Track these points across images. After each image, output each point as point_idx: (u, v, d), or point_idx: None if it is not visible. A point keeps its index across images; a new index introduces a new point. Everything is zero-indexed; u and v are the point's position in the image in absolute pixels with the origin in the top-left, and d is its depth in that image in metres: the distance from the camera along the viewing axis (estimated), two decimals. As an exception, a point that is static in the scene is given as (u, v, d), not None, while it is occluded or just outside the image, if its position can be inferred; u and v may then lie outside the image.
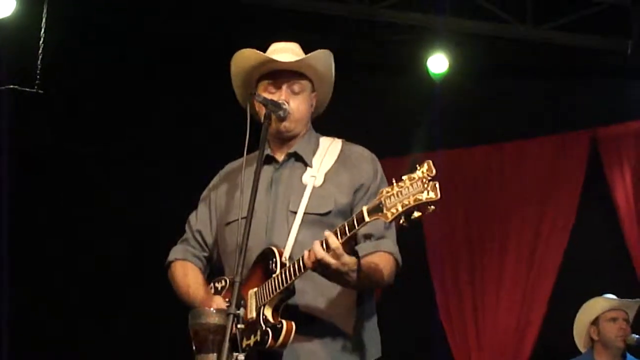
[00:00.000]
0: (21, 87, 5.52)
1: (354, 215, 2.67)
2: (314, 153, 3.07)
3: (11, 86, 5.49)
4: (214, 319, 2.63)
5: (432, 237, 6.54)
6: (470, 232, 6.51)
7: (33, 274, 6.23)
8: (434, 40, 6.26)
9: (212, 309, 2.72)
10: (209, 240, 3.16)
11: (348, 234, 2.67)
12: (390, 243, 2.97)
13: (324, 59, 3.07)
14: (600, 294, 5.27)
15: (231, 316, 2.56)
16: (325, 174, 3.00)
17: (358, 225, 2.64)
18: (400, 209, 2.52)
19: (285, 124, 3.02)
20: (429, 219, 5.41)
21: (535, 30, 6.15)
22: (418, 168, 2.52)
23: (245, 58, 3.10)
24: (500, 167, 6.54)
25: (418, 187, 2.49)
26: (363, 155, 3.09)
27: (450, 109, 6.23)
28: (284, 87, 3.04)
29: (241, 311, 2.61)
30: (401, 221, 2.54)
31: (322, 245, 2.68)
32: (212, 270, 3.19)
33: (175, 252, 3.21)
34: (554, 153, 6.42)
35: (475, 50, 6.32)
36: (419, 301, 6.35)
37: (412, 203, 2.50)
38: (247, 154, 2.89)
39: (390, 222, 2.58)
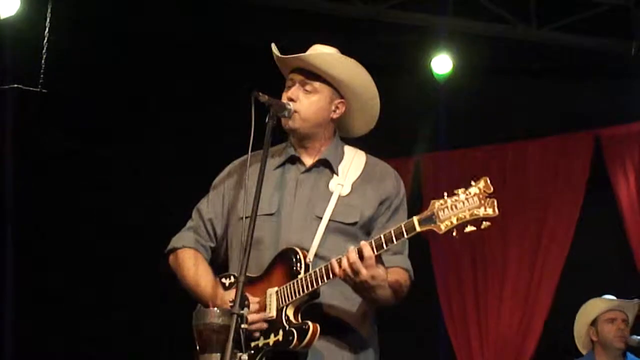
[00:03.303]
0: (25, 87, 5.53)
1: (402, 225, 2.70)
2: (339, 161, 3.08)
3: (15, 85, 5.50)
4: (219, 319, 2.63)
5: (435, 238, 6.53)
6: (473, 233, 6.49)
7: (36, 272, 6.24)
8: (438, 41, 6.25)
9: (216, 309, 2.73)
10: (220, 231, 3.13)
11: (395, 242, 2.70)
12: (406, 259, 2.99)
13: (334, 62, 3.03)
14: (604, 294, 5.29)
15: (235, 316, 2.56)
16: (352, 184, 3.01)
17: (407, 235, 2.68)
18: (455, 222, 2.61)
19: (290, 122, 3.02)
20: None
21: (539, 31, 6.15)
22: (474, 184, 2.61)
23: (274, 54, 3.14)
24: (504, 167, 6.53)
25: (475, 202, 2.59)
26: (388, 171, 3.11)
27: (454, 110, 6.23)
28: (297, 84, 3.05)
29: (245, 311, 2.62)
30: (454, 233, 2.61)
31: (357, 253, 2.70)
32: (217, 262, 3.14)
33: (183, 239, 3.14)
34: (557, 154, 6.41)
35: (479, 51, 6.32)
36: (421, 302, 6.34)
37: (468, 217, 2.60)
38: (268, 153, 2.89)
39: (444, 234, 2.63)
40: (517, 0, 6.15)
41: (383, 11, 6.16)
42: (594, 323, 5.19)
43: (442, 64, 6.28)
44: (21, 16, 5.67)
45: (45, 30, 5.60)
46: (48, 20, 5.60)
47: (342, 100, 3.09)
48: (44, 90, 5.50)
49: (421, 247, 6.33)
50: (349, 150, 3.14)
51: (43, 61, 5.56)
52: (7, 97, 5.66)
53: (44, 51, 5.59)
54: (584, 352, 5.25)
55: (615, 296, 5.29)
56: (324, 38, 3.22)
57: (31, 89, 5.49)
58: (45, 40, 5.60)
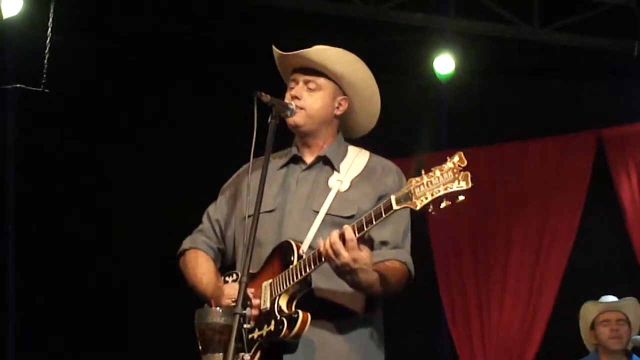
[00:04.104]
0: (27, 87, 5.54)
1: (381, 204, 2.69)
2: (342, 159, 3.10)
3: (17, 85, 5.51)
4: (221, 319, 2.63)
5: (437, 237, 6.54)
6: (475, 232, 6.51)
7: (37, 271, 6.24)
8: (440, 41, 6.24)
9: (218, 308, 2.73)
10: (226, 232, 3.17)
11: (374, 223, 2.70)
12: (405, 253, 2.99)
13: (335, 57, 3.06)
14: (606, 294, 5.28)
15: (237, 316, 2.56)
16: (352, 181, 3.03)
17: (385, 214, 2.68)
18: (429, 198, 2.58)
19: (295, 118, 3.05)
20: (434, 219, 5.42)
21: (542, 31, 6.14)
22: (449, 159, 2.59)
23: (274, 54, 3.17)
24: (506, 167, 6.53)
25: (449, 177, 2.56)
26: (390, 168, 3.12)
27: (457, 110, 6.21)
28: (301, 82, 3.08)
29: (247, 311, 2.63)
30: (430, 210, 2.59)
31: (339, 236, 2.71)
32: (225, 264, 3.17)
33: (190, 241, 3.20)
34: (560, 154, 6.41)
35: (481, 51, 6.32)
36: (423, 300, 6.34)
37: (442, 192, 2.57)
38: (270, 152, 2.91)
39: (419, 210, 2.62)
40: (519, 0, 6.14)
41: (384, 11, 6.16)
42: (592, 327, 5.19)
43: (444, 64, 6.26)
44: (24, 16, 5.67)
45: (47, 30, 5.61)
46: (50, 20, 5.60)
47: (345, 97, 3.12)
48: (46, 90, 5.51)
49: (423, 244, 6.35)
50: (352, 149, 3.16)
51: (45, 61, 5.57)
52: (9, 96, 5.67)
53: (46, 51, 5.60)
54: (591, 350, 5.26)
55: (617, 296, 5.27)
56: (324, 38, 3.23)
57: (33, 89, 5.49)
58: (47, 41, 5.61)
